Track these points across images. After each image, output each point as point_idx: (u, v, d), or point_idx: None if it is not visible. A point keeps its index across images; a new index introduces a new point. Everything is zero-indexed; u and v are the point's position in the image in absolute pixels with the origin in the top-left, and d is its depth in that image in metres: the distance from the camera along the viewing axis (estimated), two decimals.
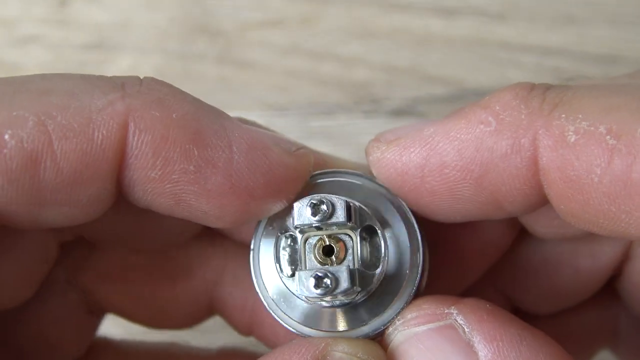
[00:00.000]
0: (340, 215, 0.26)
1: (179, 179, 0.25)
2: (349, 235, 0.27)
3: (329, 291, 0.25)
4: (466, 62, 0.48)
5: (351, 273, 0.25)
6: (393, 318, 0.26)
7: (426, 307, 0.25)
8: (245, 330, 0.33)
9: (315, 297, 0.26)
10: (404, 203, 0.27)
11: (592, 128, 0.23)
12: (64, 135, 0.24)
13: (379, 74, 0.48)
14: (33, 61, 0.50)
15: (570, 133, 0.23)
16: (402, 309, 0.26)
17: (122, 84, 0.26)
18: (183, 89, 0.53)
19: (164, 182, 0.25)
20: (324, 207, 0.26)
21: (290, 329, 0.27)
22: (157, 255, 0.32)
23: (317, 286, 0.25)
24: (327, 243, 0.27)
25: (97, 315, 0.34)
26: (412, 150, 0.26)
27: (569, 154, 0.23)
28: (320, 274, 0.25)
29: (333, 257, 0.27)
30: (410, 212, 0.27)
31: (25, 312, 0.31)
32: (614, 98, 0.23)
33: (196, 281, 0.32)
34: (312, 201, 0.26)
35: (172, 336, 0.36)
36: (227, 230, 0.32)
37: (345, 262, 0.27)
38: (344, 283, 0.25)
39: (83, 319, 0.33)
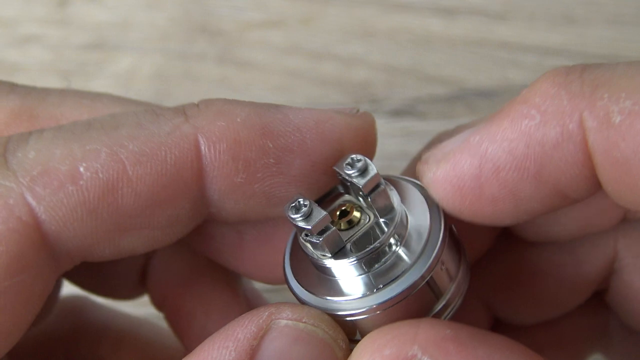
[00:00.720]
0: (361, 180, 0.26)
1: (264, 175, 0.26)
2: (368, 217, 0.26)
3: (296, 219, 0.25)
4: (466, 62, 0.48)
5: (325, 227, 0.25)
6: (407, 286, 0.25)
7: (388, 354, 0.24)
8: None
9: (291, 222, 0.26)
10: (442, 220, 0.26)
11: (636, 107, 0.23)
12: (137, 160, 0.25)
13: (379, 74, 0.48)
14: (33, 61, 0.50)
15: (615, 113, 0.23)
16: (418, 278, 0.25)
17: (183, 109, 0.27)
18: (183, 89, 0.53)
19: (252, 184, 0.26)
20: (358, 164, 0.26)
21: (296, 290, 0.27)
22: None
23: (294, 208, 0.25)
24: (346, 208, 0.27)
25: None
26: (463, 162, 0.25)
27: (614, 135, 0.23)
28: (305, 202, 0.25)
29: (342, 220, 0.27)
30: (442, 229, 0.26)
31: None
32: None
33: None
34: (353, 156, 0.26)
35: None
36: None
37: (349, 232, 0.26)
38: (312, 221, 0.25)
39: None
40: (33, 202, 0.25)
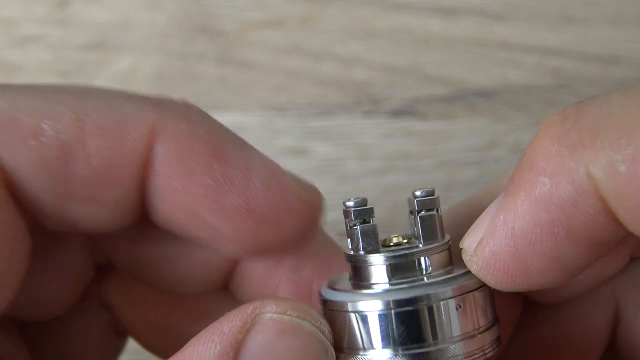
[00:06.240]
0: (419, 197, 0.27)
1: (198, 192, 0.27)
2: (414, 243, 0.27)
3: (348, 205, 0.27)
4: (466, 62, 0.48)
5: (367, 220, 0.27)
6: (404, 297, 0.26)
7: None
8: None
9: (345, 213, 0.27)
10: None
11: (639, 152, 0.22)
12: (97, 132, 0.26)
13: (379, 74, 0.48)
14: (33, 61, 0.50)
15: (619, 162, 0.23)
16: (421, 296, 0.26)
17: (154, 100, 0.28)
18: (183, 89, 0.53)
19: (184, 194, 0.27)
20: (427, 189, 0.27)
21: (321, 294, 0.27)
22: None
23: (352, 200, 0.27)
24: (398, 235, 0.28)
25: (122, 337, 0.35)
26: (498, 247, 0.25)
27: (622, 184, 0.23)
28: (363, 198, 0.27)
29: (389, 239, 0.28)
30: None
31: (56, 326, 0.32)
32: None
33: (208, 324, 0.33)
34: (428, 189, 0.27)
35: None
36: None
37: (391, 248, 0.27)
38: (366, 205, 0.27)
39: (110, 339, 0.34)
40: None
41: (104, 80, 0.49)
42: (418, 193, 0.27)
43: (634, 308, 0.30)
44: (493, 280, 0.26)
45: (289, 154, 0.48)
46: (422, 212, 0.27)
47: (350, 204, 0.27)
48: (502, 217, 0.25)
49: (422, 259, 0.27)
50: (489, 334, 0.27)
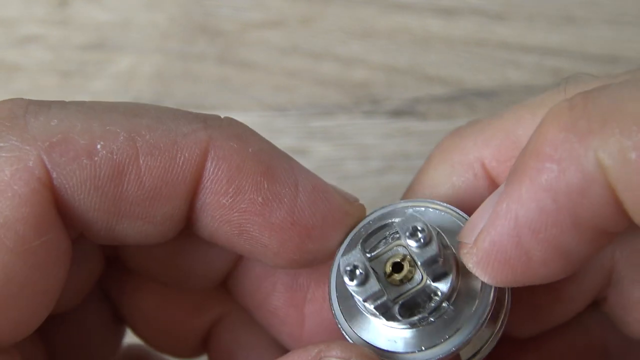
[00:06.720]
0: (433, 248, 0.25)
1: (246, 208, 0.27)
2: (421, 276, 0.26)
3: (351, 286, 0.25)
4: (466, 62, 0.48)
5: (378, 296, 0.25)
6: (452, 350, 0.26)
7: None
8: None
9: (351, 290, 0.26)
10: None
11: None
12: (150, 152, 0.27)
13: (379, 74, 0.48)
14: (33, 61, 0.50)
15: (629, 149, 0.22)
16: (463, 343, 0.26)
17: (204, 118, 0.28)
18: (183, 89, 0.53)
19: (232, 210, 0.27)
20: (421, 235, 0.25)
21: (348, 338, 0.27)
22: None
23: (349, 273, 0.26)
24: (400, 261, 0.27)
25: (124, 324, 0.35)
26: (500, 235, 0.25)
27: (632, 172, 0.22)
28: (360, 269, 0.25)
29: (395, 275, 0.27)
30: None
31: (66, 317, 0.32)
32: None
33: (203, 318, 0.33)
34: (416, 224, 0.25)
35: None
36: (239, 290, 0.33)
37: (400, 289, 0.26)
38: (366, 292, 0.25)
39: (113, 327, 0.35)
40: (49, 166, 0.26)
41: (104, 80, 0.49)
42: (412, 244, 0.25)
43: (630, 272, 0.30)
44: (491, 272, 0.25)
45: (289, 154, 0.48)
46: (424, 261, 0.26)
47: (353, 285, 0.25)
48: (504, 205, 0.25)
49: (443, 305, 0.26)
50: (500, 326, 0.27)
